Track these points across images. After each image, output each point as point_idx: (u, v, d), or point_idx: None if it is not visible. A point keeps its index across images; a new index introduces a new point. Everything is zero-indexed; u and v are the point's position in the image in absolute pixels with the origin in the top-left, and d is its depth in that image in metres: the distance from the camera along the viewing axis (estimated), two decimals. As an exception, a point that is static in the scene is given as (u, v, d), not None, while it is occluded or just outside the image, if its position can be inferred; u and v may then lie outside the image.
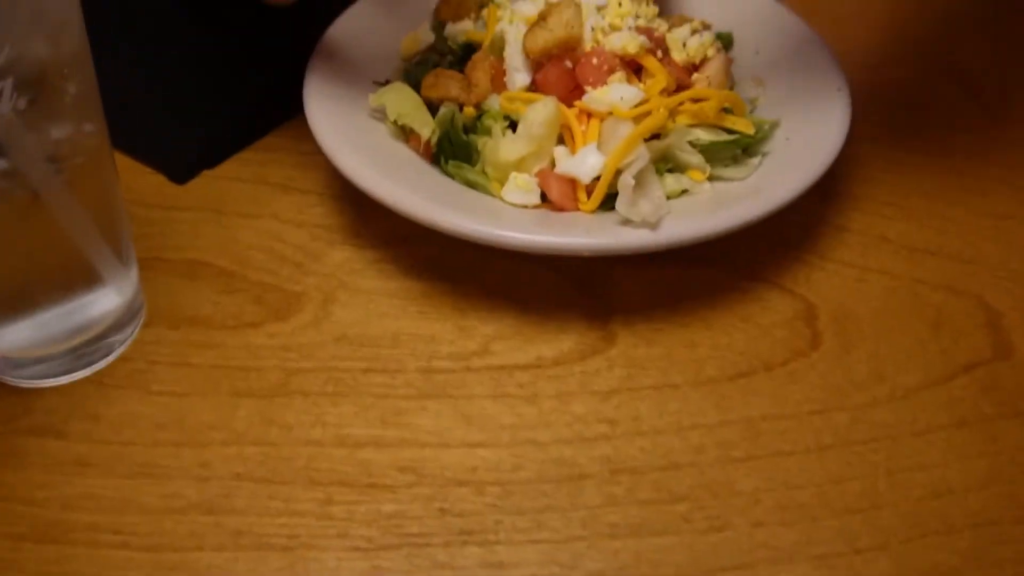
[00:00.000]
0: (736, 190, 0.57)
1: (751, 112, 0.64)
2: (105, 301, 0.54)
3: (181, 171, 0.66)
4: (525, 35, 0.59)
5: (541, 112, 0.56)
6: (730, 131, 0.59)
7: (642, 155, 0.55)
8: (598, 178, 0.55)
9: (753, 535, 0.47)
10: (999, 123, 0.71)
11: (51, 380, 0.53)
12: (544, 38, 0.58)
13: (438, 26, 0.68)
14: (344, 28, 0.67)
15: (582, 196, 0.56)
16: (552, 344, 0.56)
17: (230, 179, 0.66)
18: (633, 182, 0.53)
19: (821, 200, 0.64)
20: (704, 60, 0.61)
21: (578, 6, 0.59)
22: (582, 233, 0.53)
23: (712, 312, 0.57)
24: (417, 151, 0.60)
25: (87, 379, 0.53)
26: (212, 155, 0.67)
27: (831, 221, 0.63)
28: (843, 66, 0.65)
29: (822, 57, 0.65)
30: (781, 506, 0.48)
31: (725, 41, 0.68)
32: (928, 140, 0.70)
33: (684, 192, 0.57)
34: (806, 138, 0.59)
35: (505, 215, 0.55)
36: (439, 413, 0.52)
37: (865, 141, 0.68)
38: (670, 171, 0.58)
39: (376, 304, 0.58)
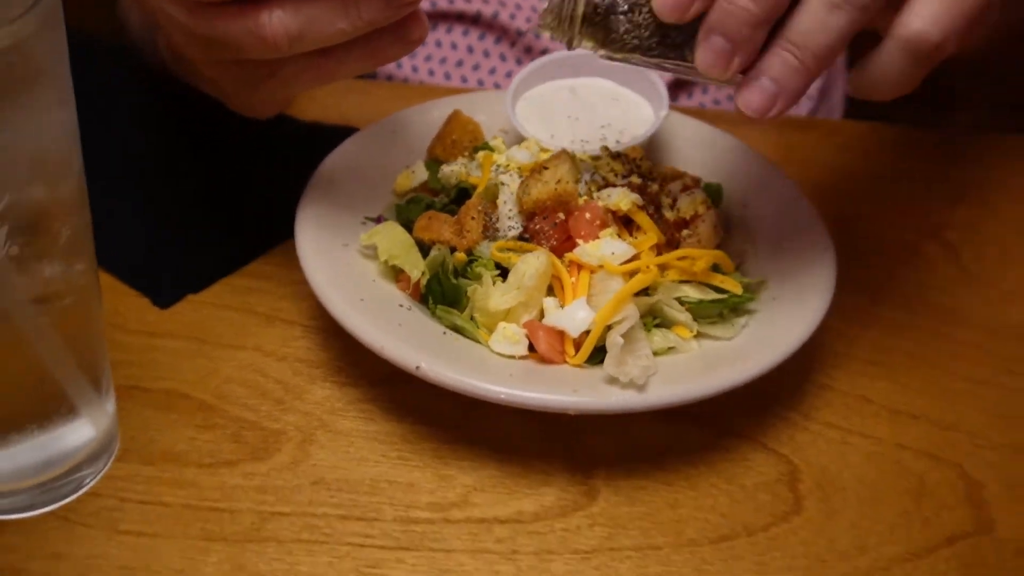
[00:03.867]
0: (723, 351, 0.57)
1: (739, 267, 0.65)
2: (79, 434, 0.52)
3: (165, 295, 0.65)
4: (519, 186, 0.60)
5: (533, 264, 0.57)
6: (718, 289, 0.60)
7: (632, 314, 0.55)
8: (586, 332, 0.55)
9: None
10: (976, 284, 0.73)
11: (14, 515, 0.51)
12: (538, 190, 0.59)
13: (432, 165, 0.69)
14: (339, 161, 0.68)
15: (570, 349, 0.56)
16: (533, 498, 0.55)
17: (215, 306, 0.65)
18: (622, 341, 0.53)
19: (805, 356, 0.64)
20: (695, 216, 0.62)
21: (574, 160, 0.60)
22: (569, 391, 0.52)
23: (695, 471, 0.57)
24: (406, 291, 0.60)
25: (52, 514, 0.52)
26: (197, 279, 0.67)
27: (814, 379, 0.64)
28: (826, 222, 0.66)
29: (808, 216, 0.66)
30: None
31: (714, 193, 0.70)
32: (909, 298, 0.71)
33: (671, 349, 0.57)
34: (792, 300, 0.60)
35: (491, 367, 0.55)
36: (415, 567, 0.51)
37: (847, 295, 0.68)
38: (658, 326, 0.58)
39: (356, 447, 0.57)
